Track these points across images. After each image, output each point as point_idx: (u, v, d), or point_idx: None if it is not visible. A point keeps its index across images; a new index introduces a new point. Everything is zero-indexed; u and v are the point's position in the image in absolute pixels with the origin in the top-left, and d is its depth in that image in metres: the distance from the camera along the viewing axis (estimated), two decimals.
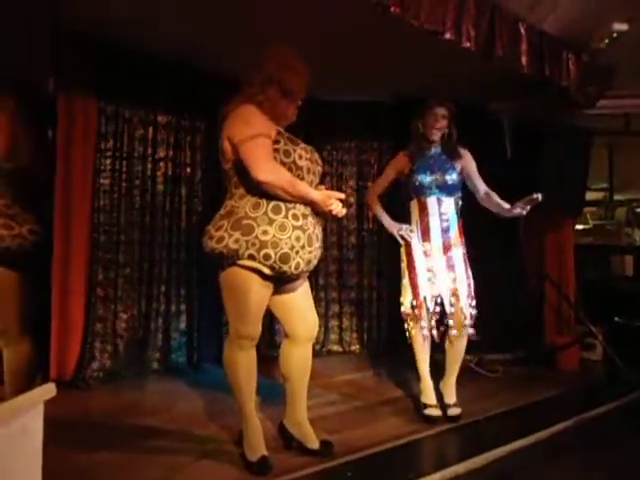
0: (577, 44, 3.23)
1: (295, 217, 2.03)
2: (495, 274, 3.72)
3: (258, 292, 2.05)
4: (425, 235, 2.77)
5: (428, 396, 2.74)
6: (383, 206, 2.96)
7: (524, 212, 2.57)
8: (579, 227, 4.89)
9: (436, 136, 2.78)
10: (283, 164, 2.03)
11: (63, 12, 2.18)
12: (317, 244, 2.11)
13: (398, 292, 2.87)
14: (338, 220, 3.98)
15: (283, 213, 2.01)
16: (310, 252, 2.07)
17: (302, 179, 2.07)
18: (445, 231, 2.75)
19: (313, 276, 3.75)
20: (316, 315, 2.31)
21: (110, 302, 3.37)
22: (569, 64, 3.21)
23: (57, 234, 2.99)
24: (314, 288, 3.83)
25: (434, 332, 2.74)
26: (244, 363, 2.11)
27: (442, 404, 2.74)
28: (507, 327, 3.78)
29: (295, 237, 2.00)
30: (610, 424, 2.80)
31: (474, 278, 2.76)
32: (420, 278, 2.74)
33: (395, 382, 3.36)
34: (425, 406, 2.71)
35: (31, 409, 1.25)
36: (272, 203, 2.01)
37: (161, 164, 3.60)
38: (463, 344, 2.75)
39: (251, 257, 1.97)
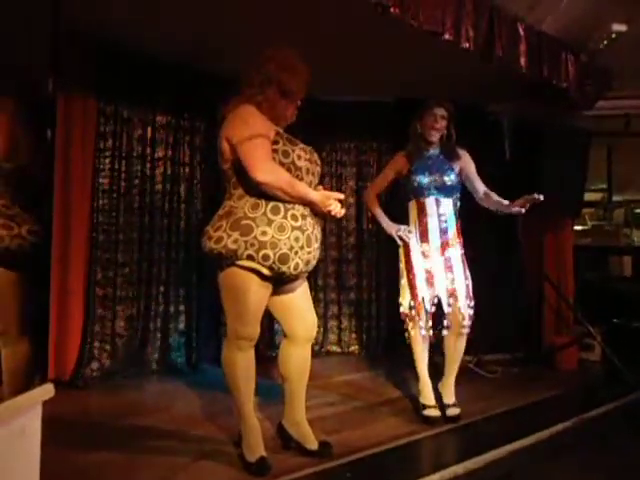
0: (576, 45, 3.24)
1: (294, 218, 2.03)
2: (494, 275, 3.73)
3: (257, 292, 2.04)
4: (423, 236, 2.77)
5: (427, 397, 2.74)
6: (381, 206, 2.96)
7: (523, 210, 2.58)
8: (578, 228, 4.88)
9: (435, 137, 2.78)
10: (282, 165, 2.03)
11: (63, 12, 2.18)
12: (316, 245, 2.11)
13: (397, 293, 2.87)
14: (337, 221, 3.98)
15: (282, 214, 2.01)
16: (309, 253, 2.07)
17: (301, 180, 2.07)
18: (443, 232, 2.75)
19: (312, 277, 3.75)
20: (315, 316, 2.31)
21: (109, 302, 3.37)
22: (568, 65, 3.22)
23: (56, 234, 2.99)
24: (313, 289, 3.83)
25: (432, 332, 2.74)
26: (243, 364, 2.11)
27: (441, 404, 2.74)
28: (506, 327, 3.79)
29: (294, 238, 2.00)
30: (609, 424, 2.80)
31: (473, 279, 2.76)
32: (418, 279, 2.74)
33: (394, 382, 3.36)
34: (424, 407, 2.71)
35: (30, 409, 1.25)
36: (271, 204, 2.01)
37: (160, 164, 3.60)
38: (462, 344, 2.75)
39: (250, 257, 1.97)
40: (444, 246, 2.75)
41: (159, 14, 2.76)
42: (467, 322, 2.71)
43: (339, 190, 4.04)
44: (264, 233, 1.97)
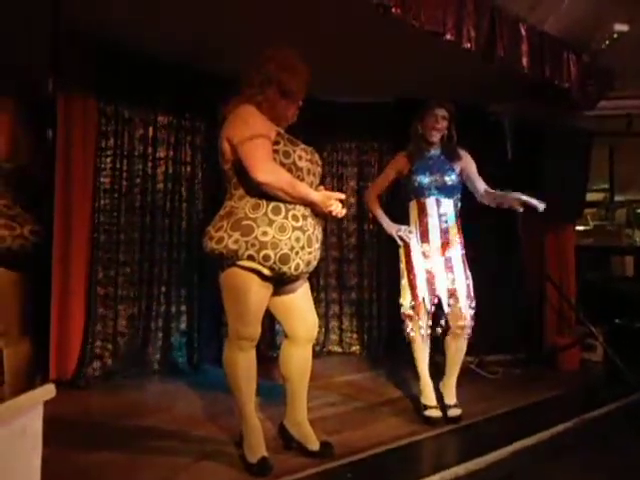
0: (578, 45, 3.23)
1: (295, 218, 2.02)
2: (494, 275, 3.72)
3: (258, 293, 2.04)
4: (424, 236, 2.76)
5: (428, 397, 2.74)
6: (382, 207, 2.96)
7: (520, 209, 2.59)
8: (579, 228, 4.88)
9: (435, 137, 2.78)
10: (283, 165, 2.03)
11: (63, 12, 2.18)
12: (317, 245, 2.11)
13: (398, 293, 2.87)
14: (338, 221, 3.98)
15: (283, 214, 2.01)
16: (310, 253, 2.06)
17: (302, 180, 2.07)
18: (444, 232, 2.75)
19: (313, 277, 3.74)
20: (316, 316, 2.31)
21: (110, 302, 3.37)
22: (570, 65, 3.21)
23: (57, 234, 2.99)
24: (314, 289, 3.83)
25: (432, 332, 2.75)
26: (244, 364, 2.11)
27: (442, 405, 2.73)
28: (507, 328, 3.78)
29: (295, 238, 2.00)
30: (610, 425, 2.80)
31: (474, 279, 2.76)
32: (419, 279, 2.74)
33: (395, 383, 3.36)
34: (425, 407, 2.71)
35: (31, 409, 1.25)
36: (272, 204, 2.01)
37: (161, 164, 3.60)
38: (463, 345, 2.74)
39: (251, 258, 1.97)
40: (444, 246, 2.75)
41: (159, 14, 2.76)
42: (468, 322, 2.71)
43: (340, 190, 4.03)
44: (265, 233, 1.97)
